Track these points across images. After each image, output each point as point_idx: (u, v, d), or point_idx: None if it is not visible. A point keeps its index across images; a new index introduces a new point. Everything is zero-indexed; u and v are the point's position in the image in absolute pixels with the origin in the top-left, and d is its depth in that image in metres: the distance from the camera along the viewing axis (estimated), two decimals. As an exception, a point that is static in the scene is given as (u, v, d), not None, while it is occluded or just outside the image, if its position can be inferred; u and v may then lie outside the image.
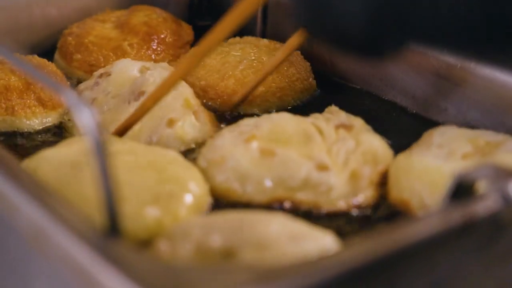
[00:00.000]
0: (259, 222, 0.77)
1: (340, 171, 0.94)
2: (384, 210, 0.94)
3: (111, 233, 0.68)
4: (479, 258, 0.73)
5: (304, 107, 1.18)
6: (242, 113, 1.15)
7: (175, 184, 0.88)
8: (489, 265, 0.74)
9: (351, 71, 1.25)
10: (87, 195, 0.82)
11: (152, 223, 0.83)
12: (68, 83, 1.19)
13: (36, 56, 1.19)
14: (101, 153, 0.67)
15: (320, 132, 0.98)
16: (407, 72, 1.16)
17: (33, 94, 1.10)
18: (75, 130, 1.04)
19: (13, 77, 1.10)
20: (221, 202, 0.93)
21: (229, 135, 0.98)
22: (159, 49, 1.27)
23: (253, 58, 1.19)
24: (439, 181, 0.88)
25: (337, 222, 0.91)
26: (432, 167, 0.92)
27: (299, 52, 1.24)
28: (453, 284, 0.72)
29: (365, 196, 0.94)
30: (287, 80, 1.18)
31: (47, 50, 1.30)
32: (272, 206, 0.92)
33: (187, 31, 1.33)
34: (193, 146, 1.04)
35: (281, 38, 1.24)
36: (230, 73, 1.16)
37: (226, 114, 1.14)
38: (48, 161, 0.90)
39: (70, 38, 1.27)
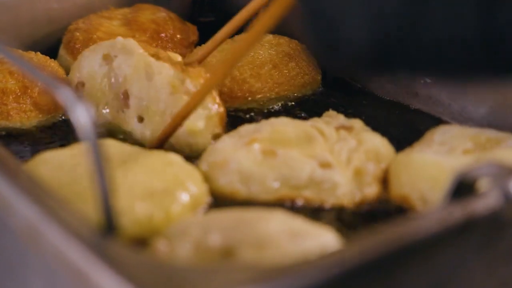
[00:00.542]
0: (259, 220, 0.77)
1: (344, 169, 0.94)
2: (389, 207, 0.93)
3: (107, 232, 0.68)
4: (481, 257, 0.72)
5: (305, 103, 1.17)
6: (240, 108, 1.14)
7: (171, 183, 0.88)
8: (491, 264, 0.73)
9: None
10: (85, 196, 0.81)
11: (142, 218, 0.82)
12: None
13: (38, 53, 1.19)
14: (97, 152, 0.67)
15: (321, 133, 0.98)
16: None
17: (29, 99, 1.10)
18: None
19: (11, 80, 1.10)
20: (222, 202, 0.93)
21: (229, 139, 0.98)
22: (167, 47, 1.27)
23: (252, 54, 1.19)
24: (439, 175, 0.89)
25: (342, 219, 0.91)
26: (432, 161, 0.92)
27: (303, 47, 1.22)
28: (455, 282, 0.72)
29: (370, 192, 0.94)
30: (285, 75, 1.17)
31: (50, 46, 1.30)
32: (277, 204, 0.92)
33: (193, 31, 1.33)
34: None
35: (285, 32, 1.23)
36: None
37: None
38: (47, 163, 0.90)
39: (77, 34, 1.26)
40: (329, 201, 0.92)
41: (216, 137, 1.03)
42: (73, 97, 0.68)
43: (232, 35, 1.13)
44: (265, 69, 1.16)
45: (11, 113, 1.08)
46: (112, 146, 0.94)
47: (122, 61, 1.08)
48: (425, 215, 0.72)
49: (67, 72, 1.18)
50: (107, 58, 1.09)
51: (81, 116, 0.67)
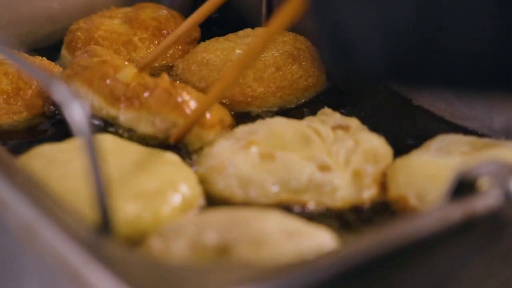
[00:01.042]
0: (254, 219, 0.76)
1: (343, 171, 0.93)
2: (388, 208, 0.93)
3: (102, 232, 0.68)
4: (482, 257, 0.72)
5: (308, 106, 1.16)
6: (241, 111, 1.13)
7: (164, 184, 0.87)
8: (492, 264, 0.73)
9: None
10: (78, 192, 0.81)
11: (131, 218, 0.82)
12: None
13: (44, 58, 1.18)
14: (92, 149, 0.67)
15: (318, 133, 0.97)
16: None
17: (20, 100, 1.09)
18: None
19: (4, 81, 1.10)
20: (220, 206, 0.92)
21: (226, 142, 0.97)
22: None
23: None
24: (436, 173, 0.89)
25: (341, 221, 0.90)
26: (428, 162, 0.92)
27: (309, 45, 1.21)
28: (455, 282, 0.71)
29: (369, 194, 0.93)
30: (289, 79, 1.15)
31: (51, 46, 1.30)
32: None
33: (194, 28, 1.32)
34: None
35: (288, 29, 1.23)
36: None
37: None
38: (42, 157, 0.90)
39: (79, 33, 1.26)
40: (329, 204, 0.92)
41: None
42: (68, 94, 0.68)
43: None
44: (268, 72, 1.14)
45: (1, 113, 1.08)
46: (108, 141, 0.94)
47: None
48: (425, 215, 0.72)
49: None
50: None
51: (76, 113, 0.67)
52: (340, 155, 0.95)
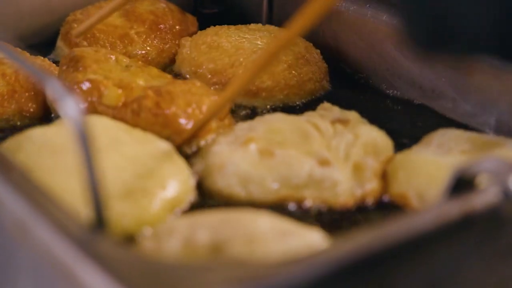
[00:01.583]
0: (246, 219, 0.77)
1: (343, 165, 0.94)
2: (388, 206, 0.93)
3: (95, 229, 0.68)
4: (480, 254, 0.72)
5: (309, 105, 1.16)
6: (242, 105, 1.14)
7: (152, 180, 0.87)
8: (490, 262, 0.73)
9: (358, 60, 1.24)
10: (66, 184, 0.81)
11: (118, 216, 0.82)
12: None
13: (46, 59, 1.18)
14: (86, 144, 0.67)
15: (317, 128, 0.98)
16: (415, 62, 1.15)
17: (15, 103, 1.09)
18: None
19: (0, 82, 1.10)
20: (216, 202, 0.93)
21: (225, 140, 0.98)
22: (166, 38, 1.27)
23: None
24: (437, 173, 0.89)
25: (342, 217, 0.91)
26: (429, 160, 0.92)
27: (319, 51, 1.22)
28: (453, 280, 0.71)
29: (371, 187, 0.94)
30: (297, 79, 1.16)
31: (49, 37, 1.31)
32: (277, 205, 0.92)
33: (192, 22, 1.33)
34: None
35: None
36: (241, 59, 1.15)
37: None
38: (32, 141, 0.90)
39: (75, 25, 1.26)
40: (330, 200, 0.92)
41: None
42: (62, 90, 0.68)
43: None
44: (279, 68, 1.15)
45: None
46: (101, 125, 0.94)
47: None
48: (421, 212, 0.72)
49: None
50: None
51: (71, 109, 0.67)
52: (339, 150, 0.95)
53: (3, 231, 0.73)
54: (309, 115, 1.02)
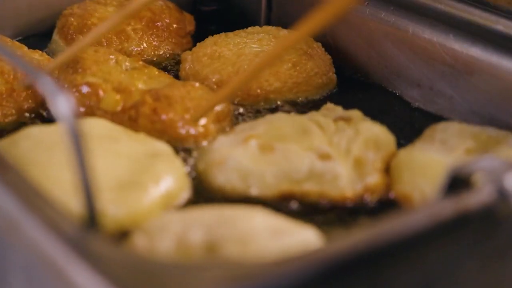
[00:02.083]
0: (240, 217, 0.77)
1: (343, 159, 0.94)
2: (393, 201, 0.94)
3: (88, 227, 0.69)
4: (475, 254, 0.72)
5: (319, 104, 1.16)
6: (255, 108, 1.14)
7: (146, 175, 0.88)
8: (486, 261, 0.73)
9: (356, 58, 1.25)
10: (59, 179, 0.82)
11: (106, 211, 0.82)
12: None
13: (44, 53, 1.19)
14: (78, 142, 0.67)
15: (318, 125, 0.98)
16: (413, 60, 1.16)
17: (13, 102, 1.10)
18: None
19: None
20: (217, 198, 0.93)
21: (225, 138, 0.99)
22: (162, 36, 1.27)
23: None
24: (442, 174, 0.88)
25: (342, 213, 0.92)
26: (434, 161, 0.93)
27: (319, 44, 1.23)
28: (448, 279, 0.71)
29: (372, 182, 0.94)
30: (304, 75, 1.16)
31: (46, 30, 1.31)
32: (278, 200, 0.92)
33: (189, 21, 1.33)
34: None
35: (287, 24, 1.24)
36: (246, 67, 1.15)
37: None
38: (28, 138, 0.91)
39: (72, 19, 1.27)
40: (331, 193, 0.93)
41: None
42: (54, 87, 0.69)
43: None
44: (284, 67, 1.16)
45: None
46: (97, 126, 0.95)
47: None
48: (414, 210, 0.72)
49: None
50: None
51: (62, 106, 0.68)
52: (341, 145, 0.96)
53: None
54: (312, 115, 1.03)
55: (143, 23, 1.27)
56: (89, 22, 1.25)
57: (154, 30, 1.27)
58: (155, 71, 1.12)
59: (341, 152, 0.95)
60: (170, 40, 1.28)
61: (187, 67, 1.19)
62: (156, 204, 0.87)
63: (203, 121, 1.03)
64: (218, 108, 1.05)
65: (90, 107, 1.04)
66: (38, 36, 1.23)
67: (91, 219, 0.69)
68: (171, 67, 1.25)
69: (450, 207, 0.69)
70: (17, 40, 1.21)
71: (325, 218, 0.90)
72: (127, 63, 1.12)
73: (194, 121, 1.02)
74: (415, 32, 1.15)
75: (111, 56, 1.11)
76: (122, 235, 0.82)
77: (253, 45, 1.20)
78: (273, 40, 1.21)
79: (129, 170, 0.88)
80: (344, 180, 0.93)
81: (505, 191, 0.71)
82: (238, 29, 1.27)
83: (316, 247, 0.71)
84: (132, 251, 0.74)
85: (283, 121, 1.00)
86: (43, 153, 0.88)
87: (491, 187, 0.71)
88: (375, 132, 0.98)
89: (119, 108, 1.03)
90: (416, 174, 0.92)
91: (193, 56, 1.20)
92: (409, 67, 1.17)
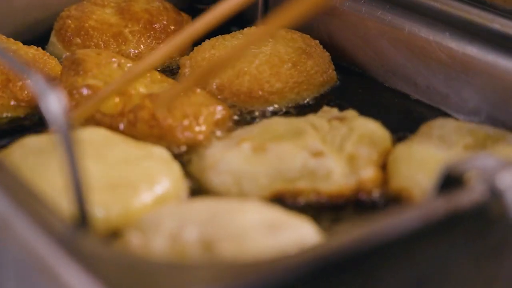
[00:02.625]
0: (235, 212, 0.77)
1: (337, 156, 0.95)
2: (387, 196, 0.94)
3: (78, 226, 0.69)
4: (468, 253, 0.73)
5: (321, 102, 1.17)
6: (257, 110, 1.14)
7: (138, 177, 0.88)
8: (479, 260, 0.74)
9: (352, 56, 1.25)
10: (53, 184, 0.82)
11: (100, 207, 0.83)
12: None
13: (40, 48, 1.20)
14: (68, 142, 0.68)
15: (312, 125, 0.99)
16: (409, 59, 1.16)
17: (9, 92, 1.11)
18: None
19: None
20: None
21: (219, 143, 1.00)
22: (160, 38, 1.28)
23: (269, 52, 1.18)
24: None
25: (338, 209, 0.92)
26: (434, 156, 0.93)
27: (317, 41, 1.23)
28: (441, 278, 0.72)
29: (367, 176, 0.94)
30: (305, 74, 1.16)
31: (43, 32, 1.32)
32: (272, 200, 0.92)
33: (187, 21, 1.34)
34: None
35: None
36: (246, 69, 1.15)
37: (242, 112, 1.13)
38: (22, 148, 0.91)
39: (69, 21, 1.27)
40: (325, 190, 0.93)
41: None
42: (45, 85, 0.69)
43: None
44: (284, 67, 1.16)
45: None
46: (97, 134, 0.95)
47: None
48: (406, 209, 0.72)
49: (59, 59, 1.20)
50: None
51: (52, 104, 0.68)
52: (334, 142, 0.97)
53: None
54: (307, 117, 1.03)
55: (140, 25, 1.28)
56: (86, 25, 1.26)
57: (152, 32, 1.28)
58: (158, 75, 1.13)
59: (334, 148, 0.96)
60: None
61: (186, 72, 1.19)
62: (148, 205, 0.87)
63: (203, 127, 1.03)
64: (217, 115, 1.06)
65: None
66: (36, 38, 1.24)
67: (82, 218, 0.69)
68: (170, 70, 1.26)
69: (442, 205, 0.70)
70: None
71: (320, 215, 0.90)
72: (127, 64, 1.13)
73: (159, 109, 1.01)
74: (411, 30, 1.16)
75: (113, 59, 1.12)
76: (115, 233, 0.82)
77: (252, 47, 1.20)
78: (270, 40, 1.21)
79: (122, 171, 0.89)
80: (338, 176, 0.93)
81: (498, 190, 0.71)
82: (234, 27, 1.27)
83: (310, 244, 0.70)
84: (123, 251, 0.75)
85: (277, 124, 1.00)
86: (36, 157, 0.89)
87: (484, 186, 0.71)
88: (370, 128, 0.99)
89: (118, 112, 1.04)
90: (415, 169, 0.93)
91: (191, 61, 1.20)
92: (405, 66, 1.17)
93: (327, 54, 1.22)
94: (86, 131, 0.96)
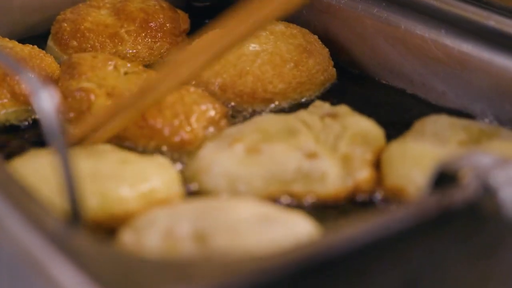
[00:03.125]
0: (228, 207, 0.78)
1: (331, 157, 0.95)
2: (382, 195, 0.95)
3: (71, 223, 0.70)
4: (461, 250, 0.73)
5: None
6: (259, 110, 1.14)
7: (129, 173, 0.89)
8: (472, 258, 0.74)
9: (349, 54, 1.26)
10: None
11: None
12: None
13: (35, 46, 1.20)
14: (61, 139, 0.68)
15: (304, 123, 0.99)
16: (405, 56, 1.17)
17: (7, 86, 1.11)
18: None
19: None
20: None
21: (212, 144, 0.99)
22: (157, 36, 1.29)
23: (271, 50, 1.18)
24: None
25: (332, 210, 0.92)
26: (428, 153, 0.93)
27: (316, 37, 1.23)
28: (433, 276, 0.72)
29: (362, 177, 0.95)
30: (307, 74, 1.17)
31: (41, 34, 1.33)
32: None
33: (184, 19, 1.34)
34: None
35: (281, 19, 1.24)
36: (248, 68, 1.15)
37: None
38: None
39: (65, 25, 1.28)
40: (320, 192, 0.93)
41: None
42: (37, 83, 0.70)
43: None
44: (287, 67, 1.16)
45: None
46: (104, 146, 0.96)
47: None
48: (400, 207, 0.73)
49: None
50: None
51: (45, 102, 0.69)
52: (328, 142, 0.97)
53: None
54: (298, 113, 1.03)
55: (136, 25, 1.28)
56: (82, 27, 1.27)
57: (148, 31, 1.28)
58: (154, 75, 1.13)
59: (328, 149, 0.96)
60: (165, 39, 1.29)
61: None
62: (135, 199, 0.87)
63: (194, 126, 1.03)
64: (211, 113, 1.06)
65: (82, 113, 1.05)
66: (33, 41, 1.24)
67: (75, 216, 0.70)
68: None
69: (435, 203, 0.70)
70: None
71: (315, 214, 0.90)
72: (125, 68, 1.13)
73: (77, 143, 0.97)
74: (407, 28, 1.16)
75: (109, 62, 1.12)
76: (109, 233, 0.83)
77: (252, 44, 1.19)
78: (270, 36, 1.21)
79: (112, 168, 0.89)
80: (333, 178, 0.93)
81: (491, 187, 0.72)
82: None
83: (304, 239, 0.71)
84: (115, 248, 0.74)
85: (269, 122, 1.00)
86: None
87: (477, 183, 0.72)
88: (363, 127, 0.99)
89: None
90: (410, 166, 0.93)
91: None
92: (401, 63, 1.18)
93: (326, 50, 1.22)
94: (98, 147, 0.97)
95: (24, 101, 1.11)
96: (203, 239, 0.74)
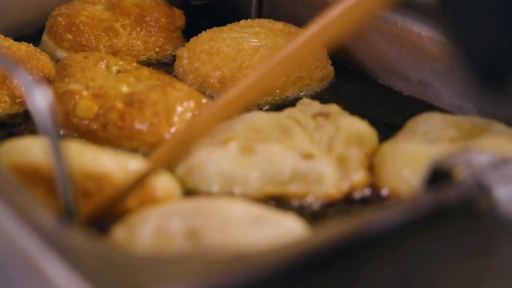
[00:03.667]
0: (220, 206, 0.79)
1: (327, 158, 0.95)
2: (377, 195, 0.96)
3: (64, 220, 0.70)
4: (456, 248, 0.74)
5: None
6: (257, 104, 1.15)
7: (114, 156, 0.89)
8: (467, 255, 0.75)
9: (346, 52, 1.27)
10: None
11: None
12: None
13: (31, 44, 1.21)
14: (54, 137, 0.69)
15: (297, 122, 1.00)
16: (402, 54, 1.18)
17: (6, 89, 1.12)
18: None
19: None
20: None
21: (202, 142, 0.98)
22: (152, 31, 1.30)
23: (270, 45, 1.19)
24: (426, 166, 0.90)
25: (328, 211, 0.93)
26: (419, 152, 0.94)
27: None
28: (428, 273, 0.73)
29: (358, 178, 0.96)
30: (306, 69, 1.18)
31: (38, 30, 1.34)
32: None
33: (179, 15, 1.35)
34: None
35: (278, 17, 1.26)
36: (247, 62, 1.16)
37: None
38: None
39: (60, 19, 1.29)
40: (317, 193, 0.94)
41: None
42: (31, 81, 0.70)
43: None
44: None
45: None
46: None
47: None
48: (393, 204, 0.73)
49: (51, 57, 1.22)
50: None
51: (39, 101, 0.69)
52: (322, 142, 0.97)
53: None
54: (289, 111, 1.04)
55: (131, 19, 1.30)
56: (77, 20, 1.28)
57: (143, 25, 1.29)
58: (146, 72, 1.14)
59: (323, 150, 0.96)
60: (160, 35, 1.30)
61: (184, 64, 1.21)
62: (109, 171, 0.87)
63: (175, 124, 1.03)
64: (195, 110, 1.05)
65: (67, 114, 1.06)
66: (28, 36, 1.25)
67: (68, 213, 0.71)
68: (162, 64, 1.28)
69: (429, 200, 0.71)
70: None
71: (312, 216, 0.91)
72: (117, 66, 1.14)
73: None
74: (404, 25, 1.17)
75: (101, 62, 1.13)
76: (102, 230, 0.83)
77: (252, 40, 1.21)
78: (269, 33, 1.23)
79: (99, 154, 0.89)
80: (330, 179, 0.94)
81: (485, 185, 0.72)
82: (229, 23, 1.28)
83: (295, 238, 0.72)
84: (107, 245, 0.75)
85: (260, 120, 1.00)
86: None
87: (471, 181, 0.72)
88: (356, 128, 1.00)
89: (93, 115, 1.05)
90: (401, 167, 0.94)
91: (189, 52, 1.21)
92: (398, 61, 1.19)
93: (324, 48, 1.23)
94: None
95: (22, 103, 1.12)
96: (195, 236, 0.75)
